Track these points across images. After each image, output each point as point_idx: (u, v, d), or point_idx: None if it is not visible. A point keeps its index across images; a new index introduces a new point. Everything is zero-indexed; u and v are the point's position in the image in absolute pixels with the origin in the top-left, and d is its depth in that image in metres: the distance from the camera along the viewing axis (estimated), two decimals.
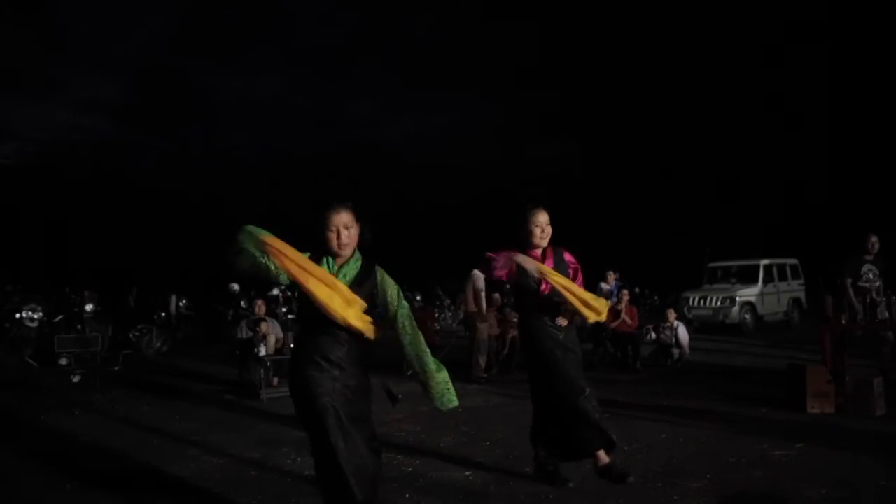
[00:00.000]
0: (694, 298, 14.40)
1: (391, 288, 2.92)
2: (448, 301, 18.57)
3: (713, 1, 46.80)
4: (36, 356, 10.11)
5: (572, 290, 3.69)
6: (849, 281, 6.94)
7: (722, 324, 13.73)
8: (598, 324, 9.76)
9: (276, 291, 12.77)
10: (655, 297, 23.94)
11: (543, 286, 3.73)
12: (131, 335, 12.22)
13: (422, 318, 9.87)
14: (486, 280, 8.25)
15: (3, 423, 6.27)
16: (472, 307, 8.61)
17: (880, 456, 4.15)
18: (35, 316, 10.86)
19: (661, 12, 48.61)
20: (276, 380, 7.70)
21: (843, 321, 6.05)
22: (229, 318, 13.29)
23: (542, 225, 3.78)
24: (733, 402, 6.07)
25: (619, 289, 10.07)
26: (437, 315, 14.97)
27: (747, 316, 13.83)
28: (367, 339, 2.87)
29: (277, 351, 7.76)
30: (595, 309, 3.72)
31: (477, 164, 45.99)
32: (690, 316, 13.95)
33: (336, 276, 2.81)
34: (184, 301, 14.99)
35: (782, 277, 14.88)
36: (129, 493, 4.03)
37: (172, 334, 13.27)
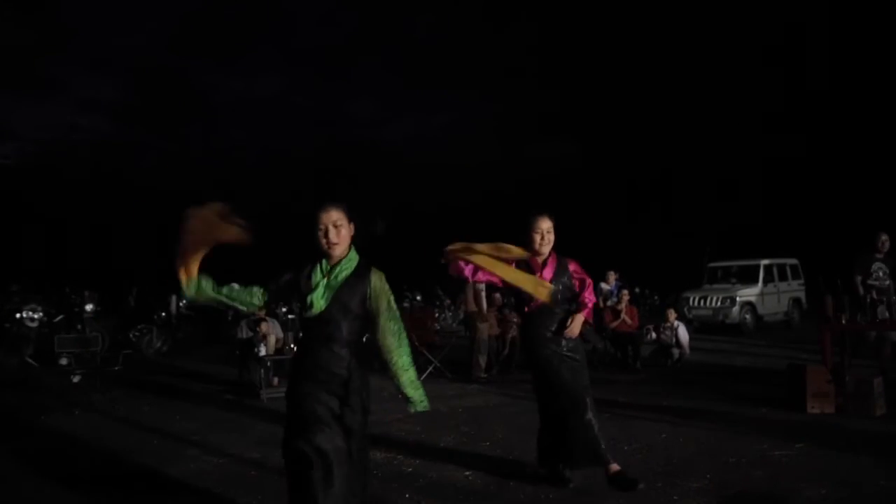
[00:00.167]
0: (694, 298, 14.40)
1: (384, 297, 2.87)
2: (448, 301, 18.56)
3: (713, 1, 46.79)
4: (36, 356, 10.11)
5: (505, 276, 3.58)
6: (859, 279, 6.94)
7: (722, 324, 13.73)
8: (598, 324, 9.81)
9: None
10: (655, 297, 23.93)
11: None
12: (131, 335, 12.22)
13: (422, 318, 9.89)
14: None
15: (3, 423, 6.27)
16: (472, 307, 8.62)
17: (880, 456, 4.15)
18: (35, 316, 10.87)
19: (660, 12, 48.61)
20: (276, 380, 7.70)
21: (843, 321, 6.06)
22: (229, 318, 13.27)
23: (541, 232, 3.76)
24: (733, 402, 6.07)
25: (619, 289, 10.07)
26: (437, 315, 14.96)
27: (747, 316, 13.83)
28: (363, 346, 2.84)
29: (277, 351, 7.76)
30: (539, 292, 3.63)
31: (477, 164, 45.99)
32: (690, 316, 13.95)
33: (328, 276, 2.80)
34: (184, 301, 14.97)
35: (782, 277, 14.88)
36: (129, 493, 4.04)
37: (172, 334, 13.27)
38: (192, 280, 2.79)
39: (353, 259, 2.87)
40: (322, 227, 2.80)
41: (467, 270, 3.66)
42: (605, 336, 9.49)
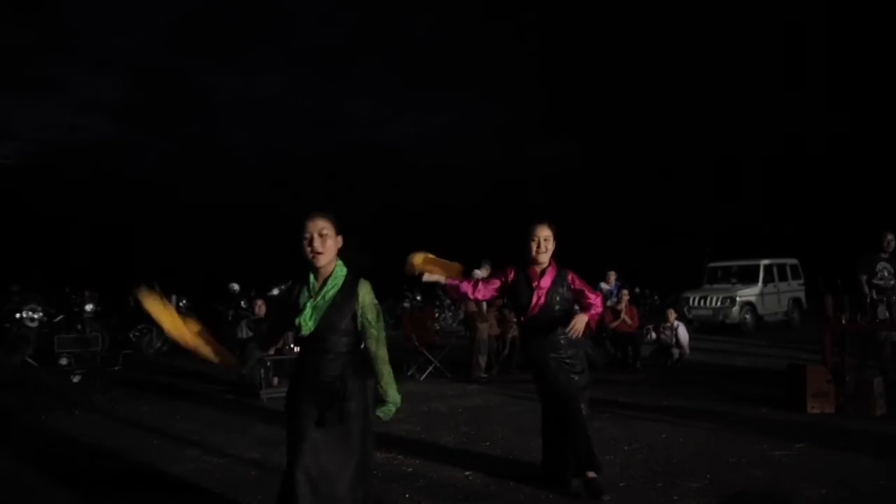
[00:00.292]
0: (694, 298, 14.40)
1: (371, 311, 2.79)
2: (448, 301, 18.56)
3: (713, 1, 46.80)
4: (36, 356, 10.12)
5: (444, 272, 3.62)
6: (864, 278, 6.93)
7: (722, 324, 13.73)
8: (598, 324, 9.81)
9: (276, 291, 12.78)
10: (655, 297, 23.93)
11: (535, 300, 3.70)
12: (131, 335, 12.23)
13: (422, 318, 9.88)
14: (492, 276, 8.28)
15: (3, 423, 6.27)
16: (472, 307, 8.61)
17: (880, 456, 4.16)
18: (35, 316, 10.86)
19: (660, 12, 48.61)
20: (276, 380, 7.70)
21: (843, 321, 6.06)
22: (229, 318, 13.27)
23: (538, 239, 3.73)
24: (733, 402, 6.07)
25: (619, 289, 10.07)
26: (437, 315, 14.96)
27: (747, 316, 13.83)
28: (361, 353, 2.80)
29: (277, 351, 7.75)
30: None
31: (477, 164, 45.97)
32: (690, 316, 13.95)
33: (317, 296, 2.71)
34: (184, 301, 14.98)
35: (782, 277, 14.88)
36: (129, 493, 4.04)
37: None
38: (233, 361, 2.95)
39: (340, 275, 2.77)
40: (307, 235, 2.70)
41: (467, 289, 3.74)
42: (606, 336, 9.49)
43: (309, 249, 2.70)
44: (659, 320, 10.24)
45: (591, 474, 3.63)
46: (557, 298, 3.74)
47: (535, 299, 3.71)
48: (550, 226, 3.79)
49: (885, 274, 6.94)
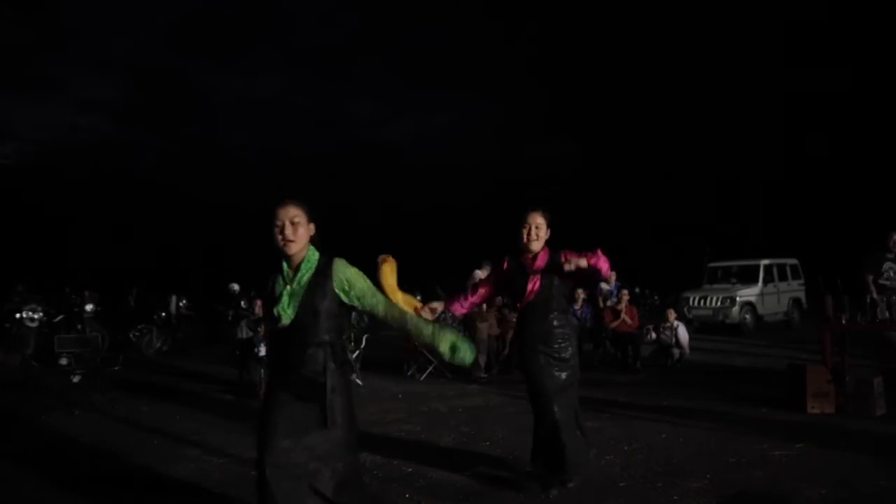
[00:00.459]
0: (694, 298, 14.40)
1: (359, 281, 2.73)
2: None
3: (713, 1, 46.77)
4: (36, 356, 10.11)
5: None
6: (870, 278, 6.93)
7: (722, 324, 13.72)
8: (598, 324, 9.81)
9: None
10: (655, 297, 23.93)
11: (530, 286, 3.68)
12: (131, 335, 12.23)
13: None
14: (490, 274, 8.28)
15: (3, 423, 6.27)
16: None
17: (880, 456, 4.15)
18: (35, 316, 10.85)
19: (660, 12, 48.59)
20: None
21: (843, 321, 6.05)
22: (229, 318, 13.28)
23: (529, 226, 3.70)
24: (733, 402, 6.07)
25: (619, 289, 10.07)
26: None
27: (747, 316, 13.82)
28: (343, 348, 2.74)
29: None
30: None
31: (477, 164, 46.03)
32: (690, 316, 13.95)
33: (292, 283, 2.66)
34: (184, 301, 14.99)
35: (782, 277, 14.88)
36: (129, 493, 4.04)
37: (172, 334, 13.28)
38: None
39: (313, 259, 2.73)
40: (279, 223, 2.67)
41: (456, 308, 3.91)
42: (606, 336, 9.49)
43: (280, 238, 2.67)
44: (659, 320, 10.24)
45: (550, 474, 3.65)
46: (553, 283, 3.68)
47: (530, 285, 3.68)
48: (543, 213, 3.75)
49: (892, 274, 6.93)
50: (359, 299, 2.72)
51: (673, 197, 36.76)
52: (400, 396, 7.13)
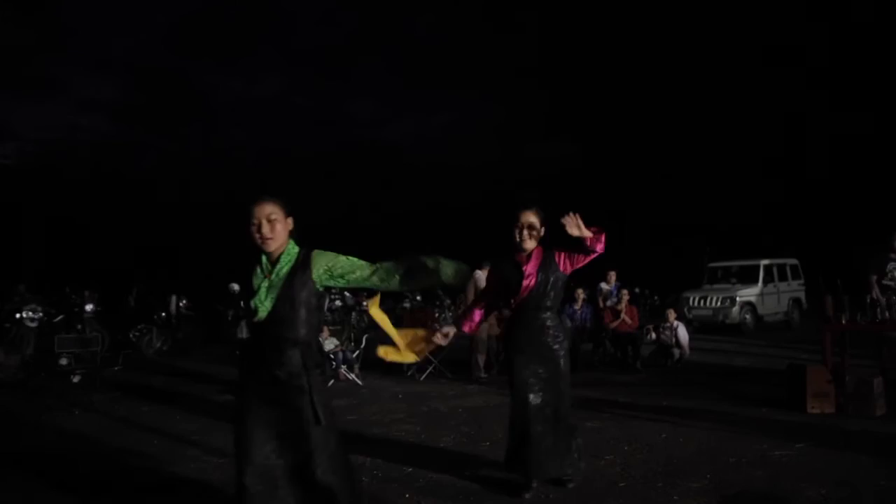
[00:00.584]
0: (694, 298, 14.40)
1: (342, 261, 2.69)
2: (448, 301, 18.56)
3: (714, 1, 46.78)
4: (36, 356, 10.11)
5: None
6: (874, 278, 6.92)
7: (722, 324, 13.73)
8: (598, 324, 9.81)
9: None
10: (655, 297, 23.91)
11: (525, 283, 3.65)
12: (131, 335, 12.22)
13: (422, 318, 9.89)
14: (487, 280, 8.28)
15: (3, 423, 6.27)
16: None
17: (880, 456, 4.15)
18: (35, 316, 10.85)
19: (660, 12, 48.60)
20: None
21: (844, 321, 6.06)
22: (229, 318, 13.28)
23: (521, 226, 3.66)
24: (733, 402, 6.07)
25: (619, 289, 10.07)
26: (437, 315, 14.96)
27: (747, 316, 13.82)
28: (316, 348, 2.72)
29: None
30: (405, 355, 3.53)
31: (477, 164, 46.03)
32: (690, 316, 13.95)
33: (271, 275, 2.64)
34: (184, 301, 14.97)
35: (782, 277, 14.88)
36: (129, 493, 4.04)
37: (172, 334, 13.26)
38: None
39: (293, 252, 2.70)
40: (255, 221, 2.64)
41: (466, 329, 3.88)
42: (606, 336, 9.49)
43: (258, 236, 2.65)
44: (659, 320, 10.24)
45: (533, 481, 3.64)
46: (548, 279, 3.66)
47: (525, 283, 3.65)
48: (536, 212, 3.70)
49: None
50: (343, 276, 2.68)
51: (673, 197, 36.77)
52: (400, 396, 7.13)
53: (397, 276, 2.67)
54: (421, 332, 3.47)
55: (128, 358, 10.61)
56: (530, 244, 3.69)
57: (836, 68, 38.34)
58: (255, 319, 2.63)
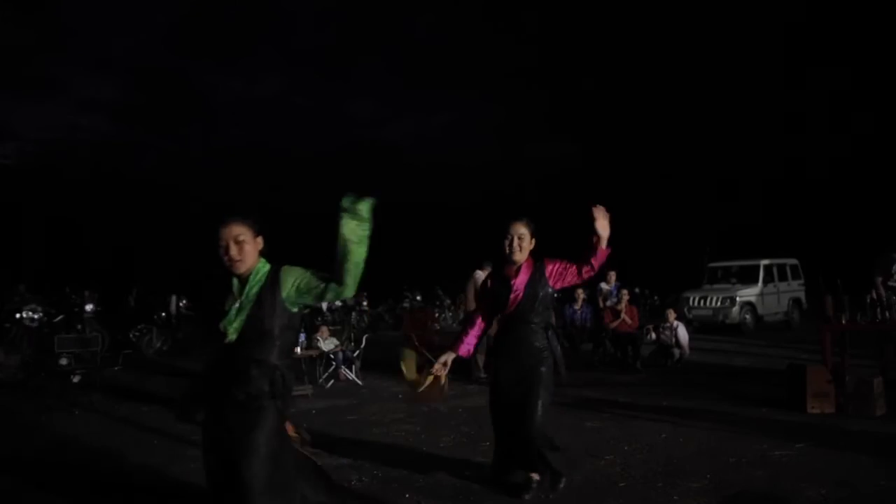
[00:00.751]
0: (694, 298, 14.40)
1: (304, 275, 2.57)
2: (448, 301, 18.58)
3: (713, 2, 46.81)
4: (36, 356, 10.12)
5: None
6: (879, 279, 6.92)
7: (722, 324, 13.72)
8: (598, 324, 9.81)
9: None
10: (655, 297, 23.92)
11: (512, 296, 3.63)
12: (131, 335, 12.22)
13: (422, 318, 9.88)
14: (479, 293, 8.31)
15: (3, 423, 6.27)
16: (473, 307, 8.60)
17: (880, 456, 4.16)
18: (35, 316, 10.86)
19: (660, 12, 48.62)
20: None
21: (844, 321, 6.06)
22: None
23: (511, 237, 3.62)
24: (733, 402, 6.07)
25: (619, 289, 10.08)
26: (437, 315, 14.98)
27: (747, 316, 13.82)
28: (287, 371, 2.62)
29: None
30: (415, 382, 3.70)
31: (477, 164, 46.02)
32: (690, 316, 13.95)
33: (240, 296, 2.57)
34: (184, 301, 14.98)
35: (782, 277, 14.88)
36: (129, 493, 4.04)
37: (172, 334, 13.27)
38: None
39: (262, 271, 2.61)
40: (223, 243, 2.56)
41: (464, 354, 3.84)
42: (606, 336, 9.49)
43: (226, 258, 2.57)
44: (659, 320, 10.24)
45: (534, 476, 3.63)
46: (536, 294, 3.63)
47: (512, 296, 3.63)
48: (527, 224, 3.67)
49: None
50: (309, 292, 2.56)
51: (673, 197, 36.78)
52: (400, 396, 7.13)
53: (339, 283, 2.49)
54: (429, 380, 3.64)
55: (128, 358, 10.61)
56: (520, 256, 3.66)
57: (836, 68, 38.36)
58: (226, 341, 2.55)
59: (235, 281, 2.62)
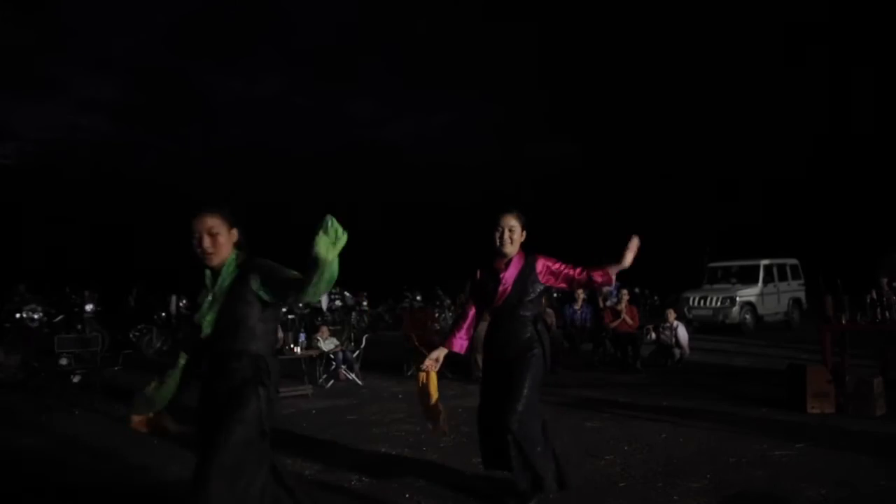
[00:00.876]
0: (694, 298, 14.40)
1: (275, 269, 2.50)
2: (448, 301, 18.57)
3: (713, 2, 46.81)
4: (36, 356, 10.12)
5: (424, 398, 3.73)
6: (885, 280, 6.92)
7: (722, 324, 13.73)
8: (598, 324, 9.81)
9: None
10: (655, 297, 23.93)
11: (500, 289, 3.58)
12: (131, 335, 12.23)
13: (422, 318, 9.87)
14: (471, 287, 8.28)
15: (3, 423, 6.27)
16: None
17: (880, 456, 4.16)
18: (35, 316, 10.87)
19: (661, 12, 48.62)
20: None
21: (844, 321, 6.05)
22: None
23: (500, 229, 3.56)
24: (733, 402, 6.07)
25: (619, 289, 10.08)
26: (437, 315, 14.97)
27: (747, 316, 13.83)
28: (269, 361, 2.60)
29: (277, 351, 7.76)
30: (431, 418, 3.71)
31: (477, 164, 46.00)
32: (690, 316, 13.95)
33: (214, 287, 2.55)
34: (184, 301, 14.99)
35: (782, 277, 14.88)
36: (129, 493, 4.04)
37: (172, 334, 13.27)
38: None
39: (233, 260, 2.58)
40: (196, 235, 2.54)
41: (458, 344, 3.90)
42: (606, 336, 9.50)
43: (199, 251, 2.55)
44: (659, 320, 10.24)
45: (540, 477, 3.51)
46: (525, 288, 3.58)
47: (500, 289, 3.59)
48: (517, 216, 3.61)
49: None
50: (273, 287, 2.48)
51: (673, 197, 36.79)
52: (400, 396, 7.13)
53: (304, 290, 2.34)
54: (434, 402, 3.77)
55: (128, 358, 10.61)
56: (510, 248, 3.59)
57: (836, 68, 38.36)
58: (202, 335, 2.53)
59: (209, 273, 2.60)
